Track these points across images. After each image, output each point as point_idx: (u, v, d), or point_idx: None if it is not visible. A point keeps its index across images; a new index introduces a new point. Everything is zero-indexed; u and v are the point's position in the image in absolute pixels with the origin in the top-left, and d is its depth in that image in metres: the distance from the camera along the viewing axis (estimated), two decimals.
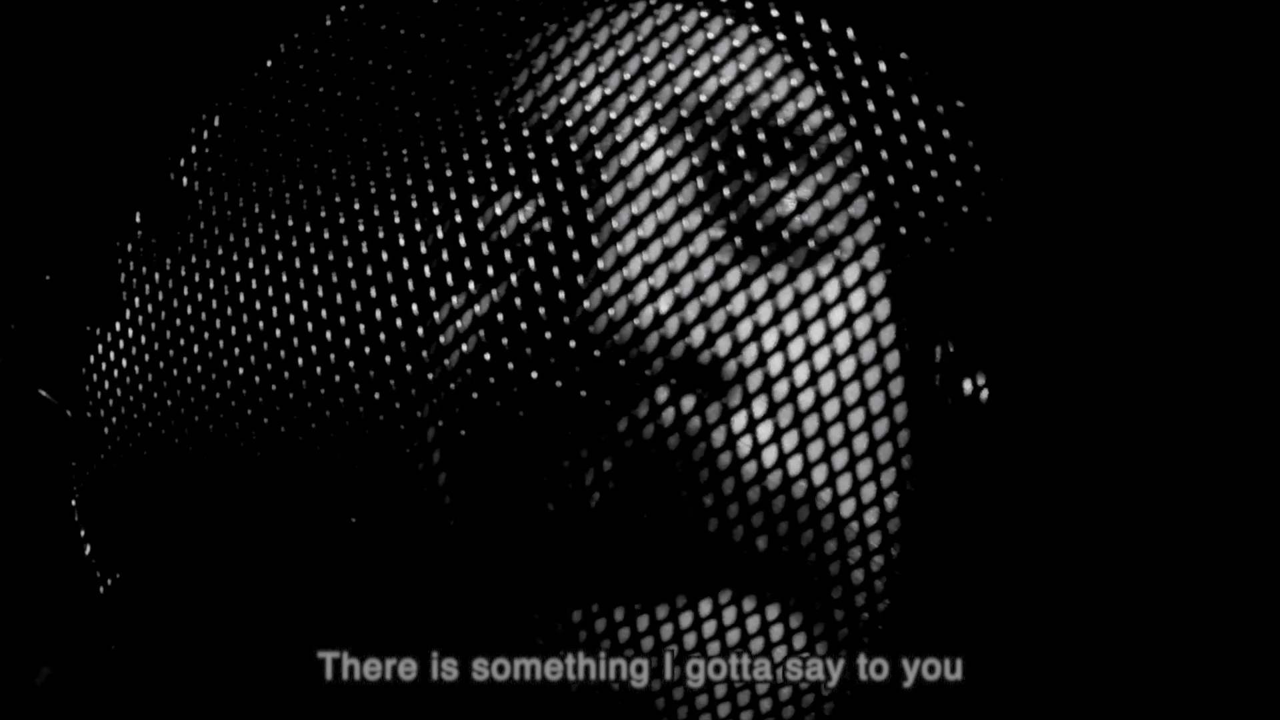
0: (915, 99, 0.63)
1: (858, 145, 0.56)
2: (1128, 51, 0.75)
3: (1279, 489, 0.72)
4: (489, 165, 0.59)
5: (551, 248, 0.54)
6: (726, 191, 0.53)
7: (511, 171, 0.57)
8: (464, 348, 0.56)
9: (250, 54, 0.72)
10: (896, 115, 0.63)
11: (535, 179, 0.57)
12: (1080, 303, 0.71)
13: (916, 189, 0.63)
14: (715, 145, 0.53)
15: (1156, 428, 0.72)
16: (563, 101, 0.56)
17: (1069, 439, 0.66)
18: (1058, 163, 0.72)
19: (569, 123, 0.55)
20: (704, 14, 0.56)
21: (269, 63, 0.71)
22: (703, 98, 0.54)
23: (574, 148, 0.55)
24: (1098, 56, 0.75)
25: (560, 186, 0.55)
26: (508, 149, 0.57)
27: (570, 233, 0.54)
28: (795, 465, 0.53)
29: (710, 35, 0.55)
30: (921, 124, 0.62)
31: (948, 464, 0.57)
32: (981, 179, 0.64)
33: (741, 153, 0.53)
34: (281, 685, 0.69)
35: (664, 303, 0.52)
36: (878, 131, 0.62)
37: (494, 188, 0.59)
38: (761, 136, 0.53)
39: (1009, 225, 0.66)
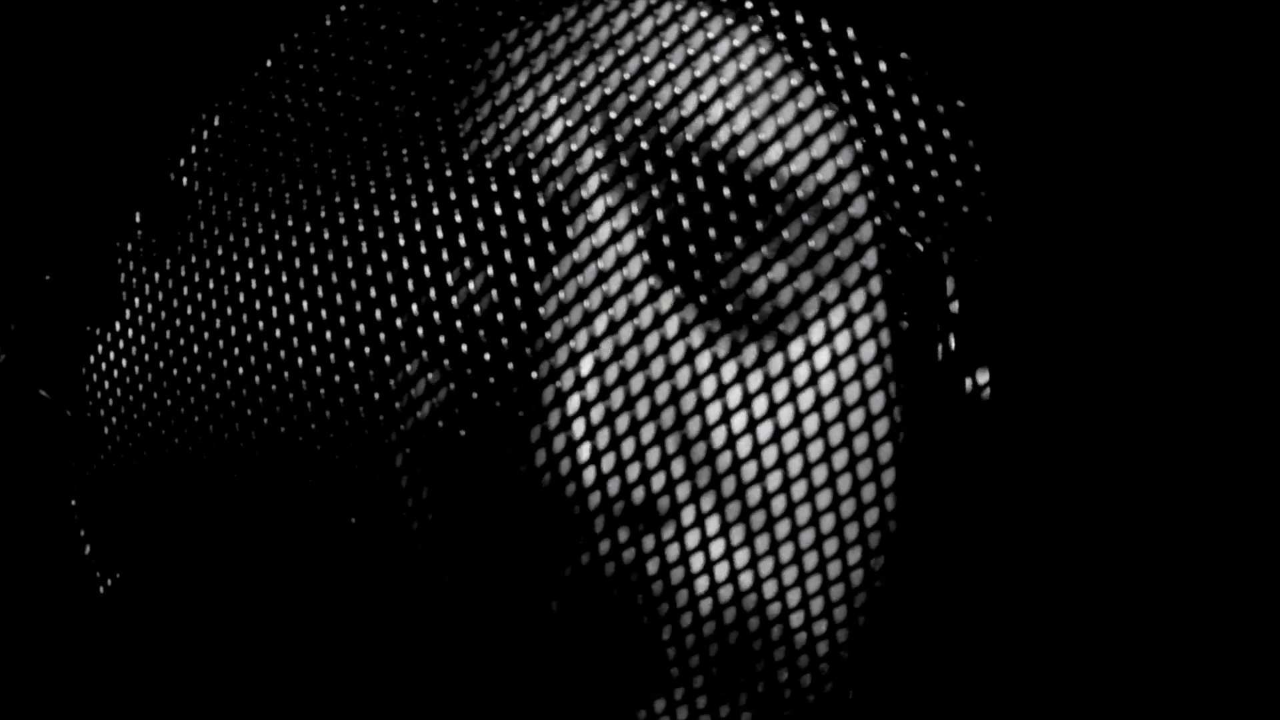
0: (915, 99, 0.63)
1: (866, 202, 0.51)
2: (1127, 52, 0.75)
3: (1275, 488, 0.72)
4: (470, 177, 0.58)
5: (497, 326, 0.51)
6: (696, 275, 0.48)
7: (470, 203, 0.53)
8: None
9: (250, 54, 0.72)
10: (896, 115, 0.63)
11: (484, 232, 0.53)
12: (1080, 302, 0.71)
13: (917, 189, 0.63)
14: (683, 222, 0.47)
15: (1155, 425, 0.72)
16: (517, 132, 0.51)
17: (1073, 459, 0.65)
18: (1057, 163, 0.72)
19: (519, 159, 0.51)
20: (703, 13, 0.53)
21: (269, 63, 0.71)
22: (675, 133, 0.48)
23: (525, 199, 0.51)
24: (1097, 57, 0.75)
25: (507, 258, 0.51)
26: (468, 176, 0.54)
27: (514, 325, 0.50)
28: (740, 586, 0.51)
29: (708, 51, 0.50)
30: (921, 124, 0.62)
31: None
32: (981, 179, 0.64)
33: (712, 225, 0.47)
34: (281, 685, 0.69)
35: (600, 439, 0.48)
36: (878, 132, 0.62)
37: (474, 203, 0.57)
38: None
39: (1009, 225, 0.66)
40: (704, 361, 0.48)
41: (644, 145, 0.47)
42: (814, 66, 0.60)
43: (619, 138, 0.48)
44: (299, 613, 0.67)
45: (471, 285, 0.56)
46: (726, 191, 0.46)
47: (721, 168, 0.46)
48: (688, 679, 0.51)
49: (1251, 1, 0.76)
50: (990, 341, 0.62)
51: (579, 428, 0.47)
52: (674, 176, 0.47)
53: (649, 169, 0.48)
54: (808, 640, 0.51)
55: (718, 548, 0.49)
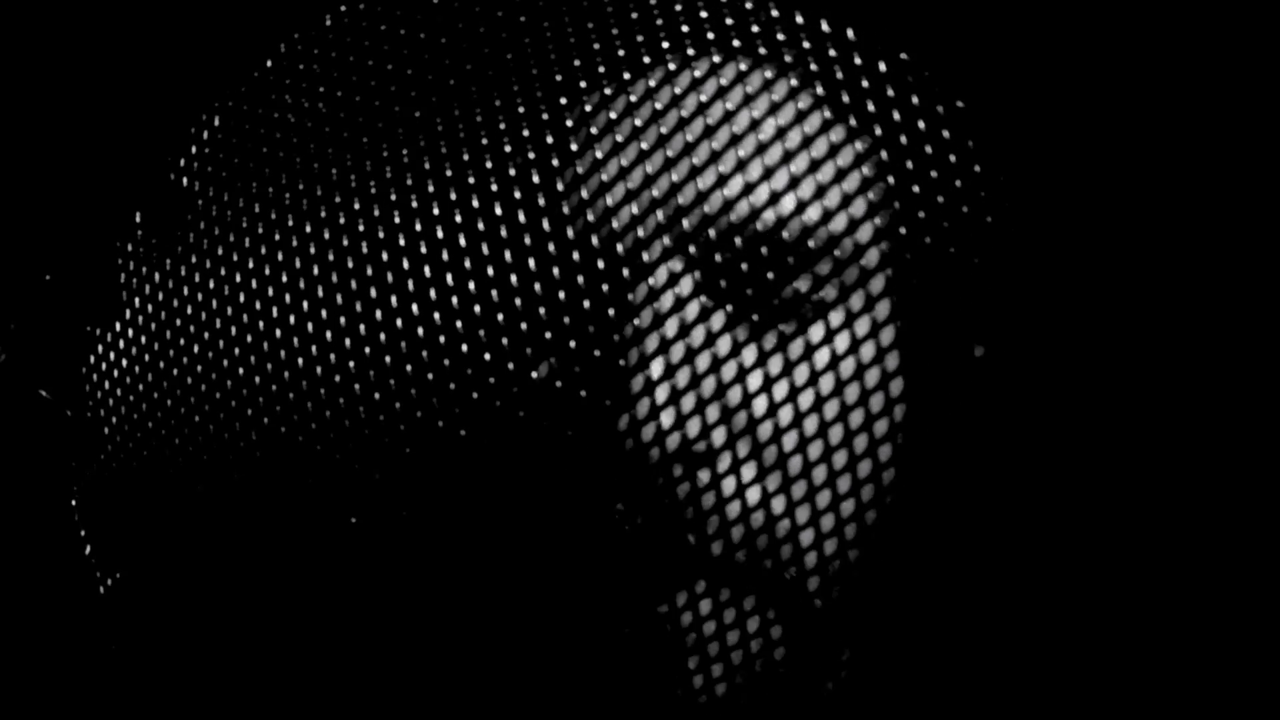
0: (915, 99, 0.63)
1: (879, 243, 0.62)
2: (1125, 52, 0.75)
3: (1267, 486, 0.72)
4: (497, 179, 0.63)
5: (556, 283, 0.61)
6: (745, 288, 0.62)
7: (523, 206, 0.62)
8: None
9: (250, 54, 0.72)
10: (896, 115, 0.63)
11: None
12: (1079, 301, 0.71)
13: (917, 189, 0.63)
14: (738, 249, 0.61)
15: (1148, 421, 0.72)
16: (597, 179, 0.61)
17: (1068, 444, 0.69)
18: (1057, 163, 0.72)
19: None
20: (743, 67, 0.62)
21: (269, 63, 0.71)
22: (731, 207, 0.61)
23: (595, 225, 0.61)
24: (1096, 57, 0.75)
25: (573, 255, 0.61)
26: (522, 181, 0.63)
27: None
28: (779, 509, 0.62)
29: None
30: (921, 124, 0.63)
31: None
32: (981, 179, 0.64)
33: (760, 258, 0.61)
34: (281, 685, 0.69)
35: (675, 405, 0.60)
36: (878, 132, 0.63)
37: (499, 209, 0.63)
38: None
39: (1009, 225, 0.66)
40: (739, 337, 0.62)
41: (696, 212, 0.61)
42: (813, 67, 0.63)
43: (683, 212, 0.61)
44: (299, 612, 0.67)
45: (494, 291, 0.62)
46: (764, 249, 0.62)
47: (759, 226, 0.61)
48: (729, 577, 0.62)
49: (1251, 2, 0.76)
50: (988, 328, 0.66)
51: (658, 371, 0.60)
52: (721, 239, 0.62)
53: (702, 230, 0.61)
54: (831, 545, 0.62)
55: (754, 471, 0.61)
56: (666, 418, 0.59)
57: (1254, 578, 0.72)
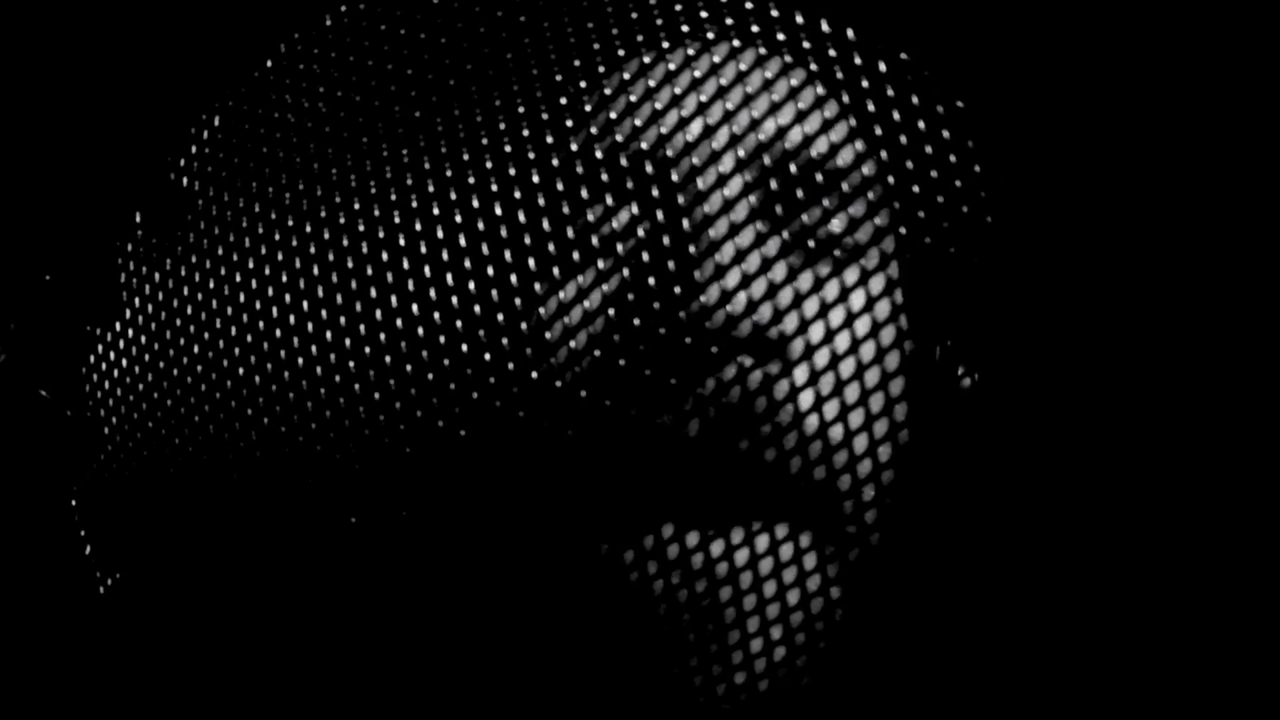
0: (915, 99, 0.63)
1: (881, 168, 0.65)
2: (1125, 52, 0.75)
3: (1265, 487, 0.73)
4: (509, 172, 0.64)
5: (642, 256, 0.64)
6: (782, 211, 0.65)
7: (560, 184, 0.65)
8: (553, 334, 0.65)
9: (250, 54, 0.72)
10: (896, 116, 0.63)
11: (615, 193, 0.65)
12: (1078, 299, 0.71)
13: (917, 189, 0.63)
14: (774, 182, 0.65)
15: (1141, 418, 0.72)
16: (653, 134, 0.65)
17: (1055, 420, 0.70)
18: (1057, 162, 0.72)
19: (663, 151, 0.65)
20: (761, 53, 0.66)
21: (269, 63, 0.72)
22: (762, 137, 0.65)
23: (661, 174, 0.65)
24: (1095, 57, 0.75)
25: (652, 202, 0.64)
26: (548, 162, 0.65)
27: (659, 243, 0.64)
28: (831, 412, 0.65)
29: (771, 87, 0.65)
30: (921, 124, 0.63)
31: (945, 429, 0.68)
32: (981, 179, 0.64)
33: (796, 185, 0.65)
34: (281, 685, 0.69)
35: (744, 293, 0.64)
36: (878, 132, 0.63)
37: (517, 195, 0.64)
38: (807, 171, 0.65)
39: (1009, 225, 0.66)
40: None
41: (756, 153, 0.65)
42: (814, 67, 0.63)
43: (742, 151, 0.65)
44: (299, 612, 0.67)
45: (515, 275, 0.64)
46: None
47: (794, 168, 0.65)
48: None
49: (1251, 2, 0.76)
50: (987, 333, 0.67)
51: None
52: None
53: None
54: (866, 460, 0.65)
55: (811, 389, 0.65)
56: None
57: (1248, 576, 0.73)
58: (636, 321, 0.63)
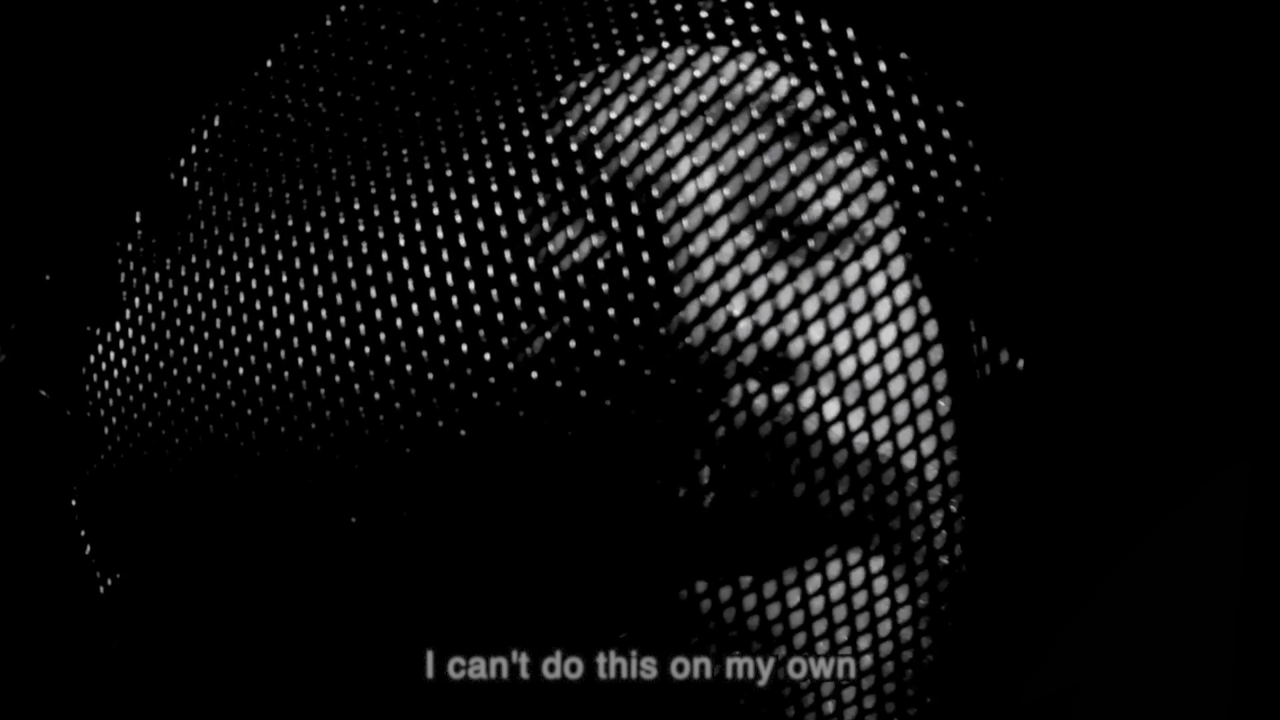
0: (915, 99, 0.63)
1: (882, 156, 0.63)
2: (1124, 52, 0.75)
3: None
4: (510, 173, 0.63)
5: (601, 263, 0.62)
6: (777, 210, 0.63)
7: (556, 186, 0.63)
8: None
9: (250, 54, 0.72)
10: (896, 116, 0.63)
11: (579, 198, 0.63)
12: (1077, 298, 0.71)
13: (917, 189, 0.63)
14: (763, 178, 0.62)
15: (1141, 419, 0.72)
16: (617, 137, 0.63)
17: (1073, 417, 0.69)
18: (1057, 162, 0.72)
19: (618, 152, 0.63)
20: (727, 51, 0.64)
21: (269, 63, 0.72)
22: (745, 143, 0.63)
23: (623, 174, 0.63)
24: (1095, 57, 0.75)
25: (618, 210, 0.63)
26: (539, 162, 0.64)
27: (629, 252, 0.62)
28: (856, 424, 0.62)
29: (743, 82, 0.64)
30: (921, 124, 0.63)
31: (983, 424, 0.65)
32: (981, 179, 0.64)
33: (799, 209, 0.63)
34: (281, 685, 0.69)
35: (734, 307, 0.61)
36: (878, 132, 0.63)
37: (517, 195, 0.63)
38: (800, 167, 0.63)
39: (1009, 224, 0.66)
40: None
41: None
42: (814, 67, 0.63)
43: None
44: (299, 612, 0.67)
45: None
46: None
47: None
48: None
49: (1251, 2, 0.76)
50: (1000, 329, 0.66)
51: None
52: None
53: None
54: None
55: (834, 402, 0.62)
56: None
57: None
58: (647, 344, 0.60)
